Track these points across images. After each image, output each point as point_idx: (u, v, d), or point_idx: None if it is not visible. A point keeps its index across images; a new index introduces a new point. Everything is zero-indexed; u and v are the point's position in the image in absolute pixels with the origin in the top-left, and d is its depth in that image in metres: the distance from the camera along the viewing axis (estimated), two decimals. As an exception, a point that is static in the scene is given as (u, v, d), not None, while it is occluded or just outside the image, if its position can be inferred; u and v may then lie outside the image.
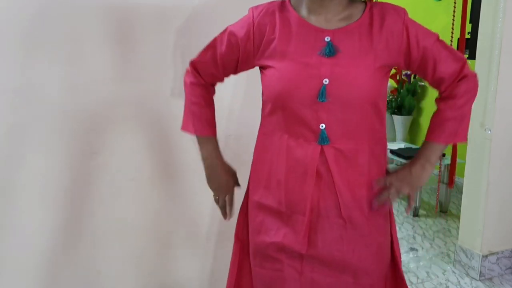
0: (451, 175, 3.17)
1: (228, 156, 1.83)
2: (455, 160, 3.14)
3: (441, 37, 1.14)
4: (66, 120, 1.53)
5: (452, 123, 1.15)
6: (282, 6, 1.13)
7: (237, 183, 1.37)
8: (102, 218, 1.64)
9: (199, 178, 1.79)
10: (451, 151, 2.95)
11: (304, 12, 1.11)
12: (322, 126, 1.08)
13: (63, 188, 1.57)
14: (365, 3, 1.13)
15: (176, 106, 1.70)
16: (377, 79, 1.08)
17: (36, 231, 1.55)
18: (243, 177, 1.85)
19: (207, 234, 1.85)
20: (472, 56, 2.73)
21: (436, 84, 1.15)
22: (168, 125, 1.70)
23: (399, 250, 1.25)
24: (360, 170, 1.12)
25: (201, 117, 1.26)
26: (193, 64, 1.25)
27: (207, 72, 1.23)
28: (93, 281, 1.67)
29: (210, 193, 1.82)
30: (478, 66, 2.37)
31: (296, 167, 1.12)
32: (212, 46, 1.20)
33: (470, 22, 3.47)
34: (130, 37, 1.58)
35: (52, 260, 1.59)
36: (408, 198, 1.21)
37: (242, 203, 1.30)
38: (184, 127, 1.28)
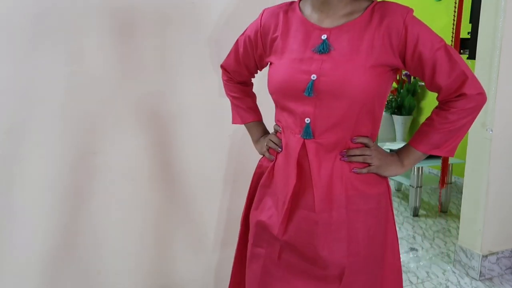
0: (443, 176, 3.18)
1: (229, 156, 1.84)
2: (447, 161, 3.15)
3: (428, 27, 1.07)
4: (66, 120, 1.53)
5: (437, 136, 1.12)
6: (289, 7, 1.19)
7: None
8: (102, 218, 1.64)
9: (199, 177, 1.79)
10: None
11: (308, 11, 1.14)
12: (307, 120, 1.10)
13: (63, 188, 1.57)
14: (371, 1, 1.11)
15: (176, 106, 1.70)
16: (369, 77, 1.05)
17: (36, 231, 1.55)
18: (243, 177, 1.86)
19: (207, 234, 1.85)
20: (472, 56, 2.72)
21: (434, 91, 1.12)
22: (168, 125, 1.70)
23: (396, 245, 1.23)
24: (340, 164, 1.12)
25: (243, 107, 1.39)
26: (222, 66, 1.39)
27: (234, 72, 1.36)
28: (93, 281, 1.67)
29: (210, 193, 1.83)
30: (478, 66, 2.37)
31: (286, 157, 1.17)
32: (234, 48, 1.33)
33: (470, 22, 3.46)
34: (130, 37, 1.58)
35: (52, 260, 1.59)
36: (361, 160, 1.14)
37: (250, 187, 1.35)
38: (234, 121, 1.42)
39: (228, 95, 1.40)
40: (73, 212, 1.60)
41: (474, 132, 2.40)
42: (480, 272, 2.45)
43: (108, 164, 1.62)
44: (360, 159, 1.13)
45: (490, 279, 2.47)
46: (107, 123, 1.60)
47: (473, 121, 1.12)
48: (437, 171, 4.34)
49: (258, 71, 1.34)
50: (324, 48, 1.08)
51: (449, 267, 2.61)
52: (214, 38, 1.70)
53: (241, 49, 1.28)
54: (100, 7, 1.52)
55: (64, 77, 1.50)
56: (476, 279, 2.46)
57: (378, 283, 1.18)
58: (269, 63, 1.21)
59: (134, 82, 1.61)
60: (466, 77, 1.06)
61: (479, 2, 2.40)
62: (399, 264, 1.24)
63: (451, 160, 3.28)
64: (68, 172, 1.56)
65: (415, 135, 1.17)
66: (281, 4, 1.21)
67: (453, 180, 3.76)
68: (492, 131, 2.32)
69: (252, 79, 1.40)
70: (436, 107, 1.14)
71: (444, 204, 3.49)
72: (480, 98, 1.08)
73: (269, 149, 1.26)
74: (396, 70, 1.12)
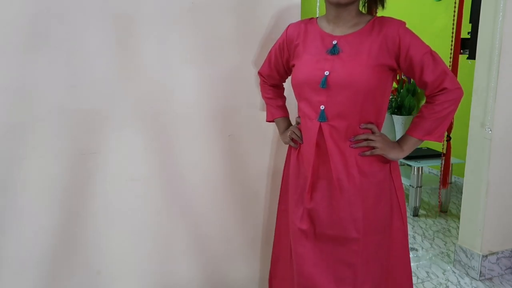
0: (444, 176, 3.18)
1: (229, 156, 1.84)
2: (449, 161, 3.15)
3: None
4: (66, 120, 1.53)
5: (428, 123, 1.39)
6: (309, 22, 1.50)
7: None
8: (102, 218, 1.64)
9: (199, 177, 1.79)
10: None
11: (323, 24, 1.46)
12: (322, 107, 1.40)
13: (63, 188, 1.57)
14: (373, 15, 1.44)
15: (176, 106, 1.70)
16: (370, 73, 1.35)
17: (36, 231, 1.55)
18: (243, 176, 1.86)
19: (207, 234, 1.84)
20: (472, 56, 2.72)
21: (421, 87, 1.40)
22: (168, 125, 1.70)
23: (404, 208, 1.51)
24: (349, 143, 1.41)
25: (274, 105, 1.69)
26: (259, 72, 1.69)
27: (268, 76, 1.65)
28: (93, 281, 1.67)
29: (210, 193, 1.83)
30: (478, 66, 2.37)
31: (306, 140, 1.48)
32: (268, 57, 1.63)
33: (470, 22, 3.46)
34: (130, 37, 1.58)
35: (52, 260, 1.59)
36: (366, 141, 1.41)
37: (283, 175, 1.66)
38: (267, 119, 1.71)
39: (263, 96, 1.71)
40: (73, 212, 1.60)
41: (474, 132, 2.40)
42: (480, 272, 2.45)
43: (108, 164, 1.62)
44: (364, 143, 1.40)
45: (490, 279, 2.47)
46: (107, 123, 1.60)
47: (455, 111, 1.40)
48: (437, 171, 4.34)
49: (288, 76, 1.62)
50: (335, 51, 1.39)
51: (449, 267, 2.61)
52: (214, 38, 1.70)
53: (273, 58, 1.60)
54: (100, 7, 1.52)
55: (64, 77, 1.50)
56: (476, 279, 2.46)
57: (386, 243, 1.47)
58: (293, 65, 1.50)
59: (134, 82, 1.61)
60: (446, 75, 1.36)
61: (479, 2, 2.40)
62: (405, 229, 1.52)
63: (451, 160, 3.27)
64: (68, 172, 1.56)
65: (410, 126, 1.45)
66: (304, 19, 1.53)
67: (453, 180, 3.76)
68: (491, 130, 2.32)
69: (283, 83, 1.68)
70: (425, 102, 1.43)
71: (444, 204, 3.48)
72: (458, 91, 1.38)
73: (292, 139, 1.55)
74: (393, 70, 1.40)
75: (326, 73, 1.37)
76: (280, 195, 1.69)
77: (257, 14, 1.76)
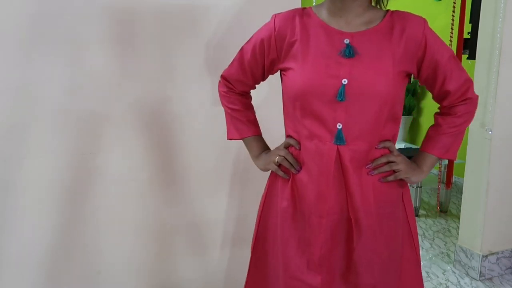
0: (448, 176, 3.19)
1: (229, 156, 1.84)
2: (452, 161, 3.15)
3: (440, 38, 1.16)
4: (66, 120, 1.53)
5: (447, 138, 1.20)
6: (303, 12, 1.17)
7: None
8: (102, 218, 1.64)
9: (199, 177, 1.79)
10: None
11: (325, 15, 1.15)
12: (339, 125, 1.10)
13: (63, 188, 1.57)
14: (386, 10, 1.18)
15: (176, 106, 1.70)
16: (395, 83, 1.10)
17: (36, 231, 1.55)
18: (244, 177, 1.86)
19: (207, 234, 1.85)
20: (472, 56, 2.72)
21: (440, 97, 1.19)
22: (168, 125, 1.70)
23: (418, 246, 1.29)
24: (366, 170, 1.15)
25: (243, 119, 1.31)
26: (223, 76, 1.32)
27: (237, 81, 1.29)
28: (93, 281, 1.67)
29: (210, 194, 1.83)
30: (478, 66, 2.37)
31: (314, 169, 1.15)
32: (238, 56, 1.27)
33: (470, 22, 3.46)
34: (131, 37, 1.58)
35: (52, 260, 1.59)
36: (388, 166, 1.17)
37: (260, 214, 1.34)
38: (229, 136, 1.34)
39: (225, 107, 1.32)
40: (73, 212, 1.60)
41: (474, 132, 2.40)
42: (480, 272, 2.45)
43: (108, 164, 1.62)
44: (386, 167, 1.16)
45: (490, 279, 2.47)
46: (107, 123, 1.60)
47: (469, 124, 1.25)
48: (437, 171, 4.34)
49: (261, 81, 1.31)
50: (351, 52, 1.09)
51: (449, 267, 2.61)
52: (214, 39, 1.70)
53: (247, 56, 1.23)
54: (101, 8, 1.52)
55: (64, 77, 1.50)
56: (476, 279, 2.46)
57: (397, 275, 1.25)
58: (280, 70, 1.20)
59: (134, 82, 1.61)
60: (471, 83, 1.18)
61: (479, 2, 2.40)
62: (418, 258, 1.29)
63: (448, 161, 3.27)
64: (68, 172, 1.56)
65: (426, 142, 1.23)
66: (292, 10, 1.19)
67: (453, 180, 3.77)
68: (491, 131, 2.32)
69: (252, 90, 1.35)
70: (440, 114, 1.22)
71: (444, 204, 3.48)
72: (477, 101, 1.22)
73: (280, 165, 1.22)
74: (409, 76, 1.18)
75: (344, 81, 1.08)
76: (255, 239, 1.32)
77: (257, 13, 1.75)
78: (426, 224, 3.27)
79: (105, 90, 1.57)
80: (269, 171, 1.30)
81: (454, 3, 2.87)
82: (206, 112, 1.75)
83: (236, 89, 1.31)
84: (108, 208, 1.64)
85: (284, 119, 1.24)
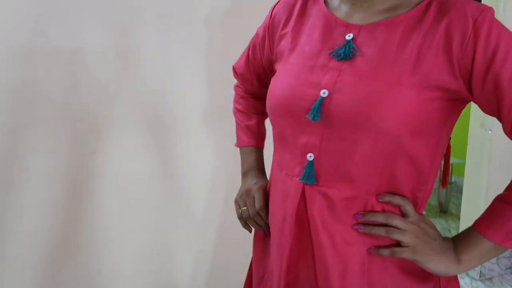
0: (444, 175, 3.19)
1: (229, 156, 1.84)
2: (448, 161, 3.16)
3: None
4: (66, 120, 1.53)
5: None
6: None
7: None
8: (102, 218, 1.64)
9: (199, 178, 1.79)
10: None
11: (336, 2, 0.81)
12: (310, 156, 0.75)
13: (63, 188, 1.57)
14: None
15: (176, 106, 1.70)
16: (411, 101, 0.68)
17: (36, 231, 1.55)
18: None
19: (207, 234, 1.85)
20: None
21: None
22: (168, 125, 1.70)
23: None
24: (355, 232, 0.74)
25: (242, 124, 1.07)
26: (234, 67, 1.08)
27: (242, 76, 1.06)
28: (93, 281, 1.67)
29: (210, 194, 1.83)
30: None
31: (277, 209, 0.84)
32: (247, 47, 1.02)
33: (470, 22, 3.46)
34: (131, 37, 1.58)
35: (52, 259, 1.59)
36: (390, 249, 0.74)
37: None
38: (236, 143, 1.09)
39: (234, 107, 1.11)
40: (73, 212, 1.60)
41: (474, 132, 2.40)
42: (480, 272, 2.45)
43: (108, 164, 1.62)
44: (382, 231, 0.73)
45: (490, 279, 2.47)
46: (107, 123, 1.60)
47: None
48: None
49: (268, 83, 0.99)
50: (346, 52, 0.73)
51: (449, 267, 2.61)
52: (214, 38, 1.70)
53: (250, 51, 0.98)
54: (101, 7, 1.52)
55: (64, 77, 1.50)
56: (476, 279, 2.46)
57: None
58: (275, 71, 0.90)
59: (134, 82, 1.61)
60: None
61: (478, 2, 2.40)
62: None
63: (451, 160, 3.28)
64: (68, 172, 1.56)
65: (485, 217, 0.73)
66: None
67: (453, 180, 3.76)
68: (491, 131, 2.32)
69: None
70: None
71: (444, 204, 3.48)
72: None
73: (244, 219, 0.96)
74: (461, 101, 0.73)
75: (323, 93, 0.73)
76: (254, 239, 0.99)
77: (257, 13, 1.75)
78: (426, 224, 3.28)
79: (105, 90, 1.57)
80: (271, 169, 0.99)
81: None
82: (206, 112, 1.75)
83: (243, 86, 1.07)
84: (108, 208, 1.64)
85: None
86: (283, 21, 0.86)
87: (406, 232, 0.73)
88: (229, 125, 1.79)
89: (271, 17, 0.90)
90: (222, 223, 1.86)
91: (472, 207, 2.47)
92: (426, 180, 0.76)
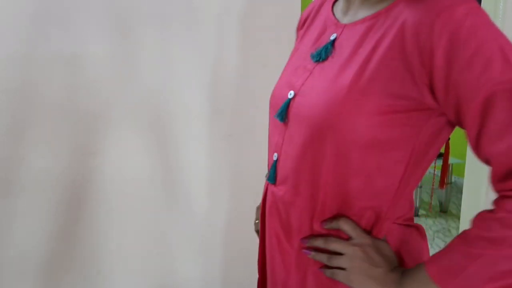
0: (442, 176, 3.19)
1: (229, 156, 1.84)
2: (447, 161, 3.16)
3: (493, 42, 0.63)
4: (66, 120, 1.53)
5: (460, 255, 0.61)
6: None
7: None
8: (102, 218, 1.64)
9: (199, 178, 1.79)
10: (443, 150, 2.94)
11: (342, 2, 0.78)
12: (275, 156, 0.77)
13: (63, 188, 1.57)
14: None
15: (176, 106, 1.70)
16: (361, 111, 0.62)
17: (35, 231, 1.55)
18: (244, 177, 1.86)
19: (207, 234, 1.85)
20: (472, 56, 2.73)
21: (483, 159, 0.67)
22: (168, 125, 1.70)
23: None
24: (304, 241, 0.73)
25: None
26: None
27: None
28: (93, 281, 1.67)
29: (210, 193, 1.83)
30: (478, 66, 2.37)
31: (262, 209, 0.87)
32: None
33: (470, 22, 3.46)
34: (130, 37, 1.58)
35: (52, 260, 1.59)
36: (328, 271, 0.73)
37: None
38: None
39: None
40: (73, 211, 1.60)
41: (474, 132, 2.40)
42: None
43: (108, 164, 1.62)
44: (323, 258, 0.71)
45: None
46: (107, 123, 1.60)
47: None
48: (437, 171, 4.34)
49: None
50: (321, 54, 0.72)
51: (449, 267, 2.61)
52: (213, 38, 1.70)
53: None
54: (100, 7, 1.52)
55: (64, 77, 1.50)
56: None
57: None
58: None
59: (134, 82, 1.61)
60: None
61: (478, 2, 2.40)
62: None
63: (451, 160, 3.28)
64: (68, 172, 1.56)
65: (438, 256, 0.65)
66: None
67: (453, 180, 3.77)
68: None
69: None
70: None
71: (444, 204, 3.48)
72: None
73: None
74: (437, 113, 0.64)
75: (290, 94, 0.74)
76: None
77: (257, 13, 1.76)
78: (426, 224, 3.27)
79: (105, 90, 1.57)
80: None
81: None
82: (206, 112, 1.75)
83: None
84: (108, 208, 1.64)
85: None
86: (302, 22, 0.88)
87: (344, 255, 0.69)
88: (229, 125, 1.80)
89: (299, 19, 0.91)
90: (222, 223, 1.86)
91: (472, 207, 2.47)
92: (388, 193, 0.68)
